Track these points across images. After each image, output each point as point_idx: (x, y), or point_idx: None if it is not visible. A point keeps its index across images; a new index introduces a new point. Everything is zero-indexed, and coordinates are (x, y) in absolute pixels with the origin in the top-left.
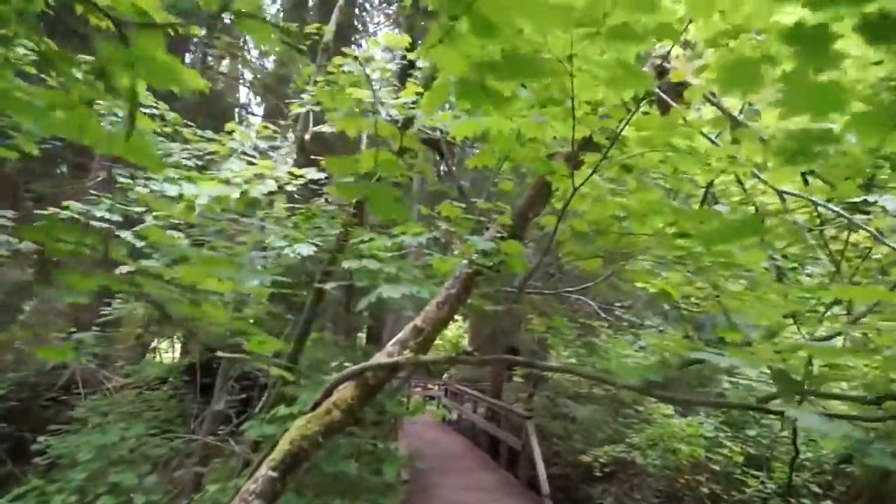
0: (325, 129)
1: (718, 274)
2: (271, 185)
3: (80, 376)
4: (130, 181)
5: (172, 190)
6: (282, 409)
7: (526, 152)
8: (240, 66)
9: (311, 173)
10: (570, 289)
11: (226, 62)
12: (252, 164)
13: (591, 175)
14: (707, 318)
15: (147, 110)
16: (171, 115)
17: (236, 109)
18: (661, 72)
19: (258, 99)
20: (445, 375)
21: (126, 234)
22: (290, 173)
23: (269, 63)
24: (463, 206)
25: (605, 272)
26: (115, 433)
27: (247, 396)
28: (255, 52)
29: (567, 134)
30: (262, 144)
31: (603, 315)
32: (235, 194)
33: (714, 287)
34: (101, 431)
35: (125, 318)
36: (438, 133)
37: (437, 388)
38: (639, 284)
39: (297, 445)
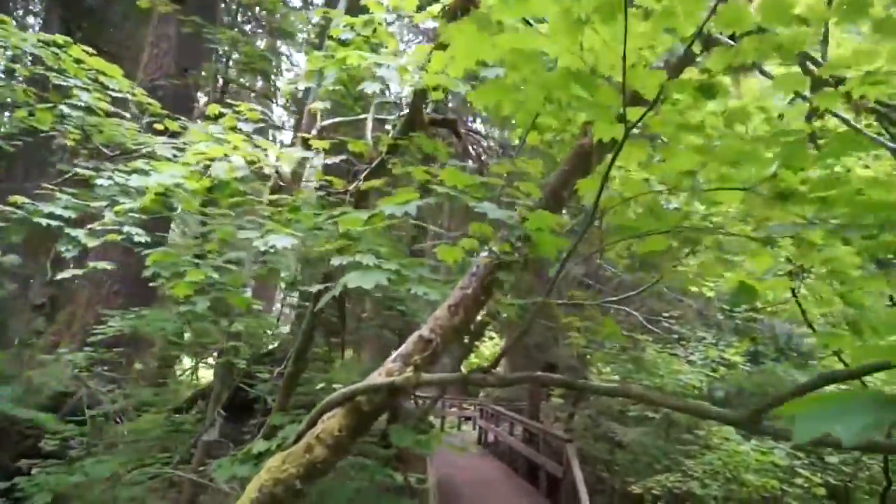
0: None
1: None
2: (238, 163)
3: (87, 401)
4: (93, 173)
5: (138, 181)
6: (258, 444)
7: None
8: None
9: (306, 153)
10: (611, 298)
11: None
12: (222, 141)
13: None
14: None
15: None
16: (152, 105)
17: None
18: None
19: (287, 115)
20: (482, 394)
21: (78, 233)
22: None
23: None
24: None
25: (649, 280)
26: (105, 467)
27: (256, 422)
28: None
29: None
30: (247, 127)
31: (649, 327)
32: (190, 186)
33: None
34: (82, 469)
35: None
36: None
37: (473, 408)
38: (693, 288)
39: (268, 494)
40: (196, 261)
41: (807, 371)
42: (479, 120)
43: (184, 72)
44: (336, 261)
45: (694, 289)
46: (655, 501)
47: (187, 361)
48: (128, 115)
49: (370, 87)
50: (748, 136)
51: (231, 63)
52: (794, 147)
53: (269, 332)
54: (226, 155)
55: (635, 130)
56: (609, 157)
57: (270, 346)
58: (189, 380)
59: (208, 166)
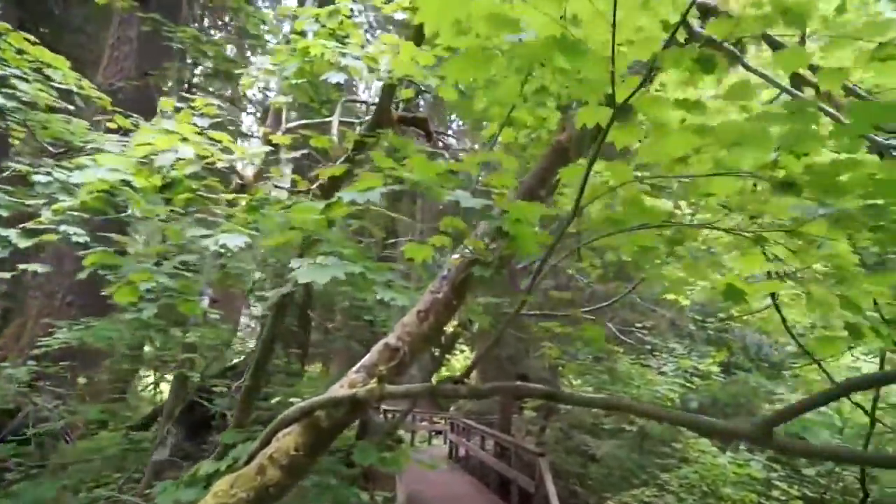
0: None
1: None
2: (187, 154)
3: (33, 418)
4: (31, 169)
5: (80, 177)
6: (206, 465)
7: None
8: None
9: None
10: (585, 309)
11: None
12: (171, 132)
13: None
14: (753, 338)
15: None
16: (102, 100)
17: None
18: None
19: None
20: (452, 408)
21: (9, 233)
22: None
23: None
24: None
25: (622, 290)
26: (43, 489)
27: (215, 440)
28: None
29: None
30: (203, 123)
31: (622, 338)
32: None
33: (839, 278)
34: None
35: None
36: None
37: (443, 421)
38: (670, 297)
39: None
40: (146, 265)
41: (778, 381)
42: (450, 130)
43: (144, 75)
44: (295, 263)
45: (671, 297)
46: None
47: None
48: (73, 108)
49: (334, 77)
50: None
51: (198, 70)
52: (807, 120)
53: (229, 345)
54: (174, 147)
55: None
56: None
57: (234, 361)
58: (151, 395)
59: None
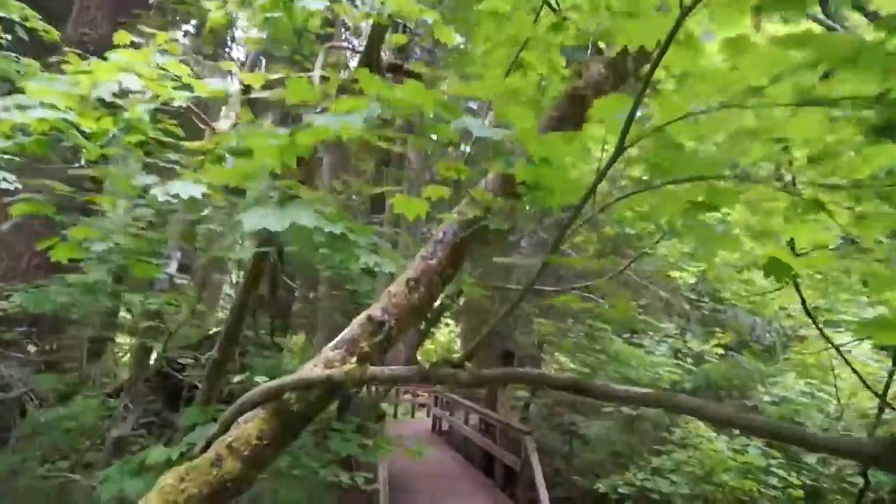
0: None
1: None
2: (132, 86)
3: None
4: None
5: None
6: (154, 452)
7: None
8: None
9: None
10: (575, 286)
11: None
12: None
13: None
14: (746, 319)
15: None
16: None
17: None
18: None
19: None
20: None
21: None
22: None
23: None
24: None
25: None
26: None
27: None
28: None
29: None
30: (163, 59)
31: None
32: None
33: None
34: None
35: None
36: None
37: (427, 395)
38: (674, 273)
39: None
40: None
41: (771, 364)
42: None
43: (117, 24)
44: (248, 213)
45: (675, 273)
46: (622, 501)
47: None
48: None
49: (314, 3)
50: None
51: (182, 30)
52: None
53: (194, 312)
54: (117, 77)
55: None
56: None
57: (214, 330)
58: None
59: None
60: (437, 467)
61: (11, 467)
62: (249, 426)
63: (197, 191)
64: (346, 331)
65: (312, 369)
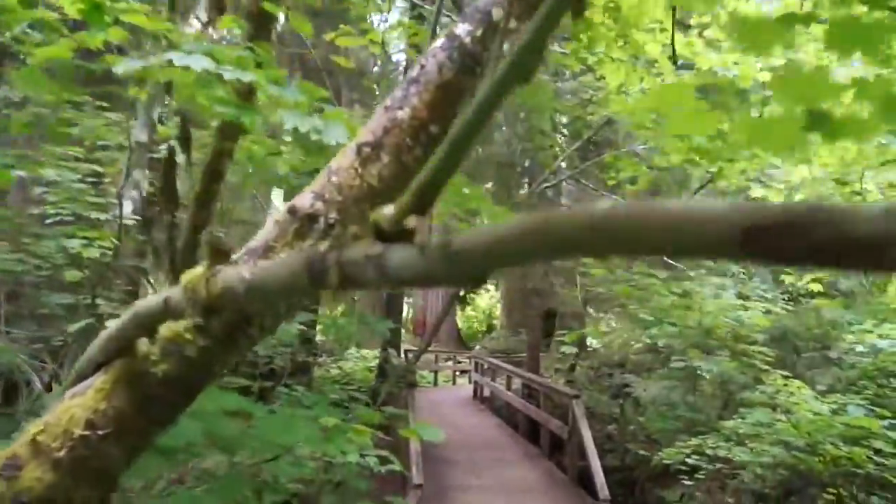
0: None
1: None
2: None
3: None
4: None
5: None
6: None
7: None
8: None
9: None
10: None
11: None
12: None
13: None
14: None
15: None
16: None
17: None
18: None
19: None
20: (478, 346)
21: None
22: None
23: None
24: None
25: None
26: None
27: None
28: None
29: None
30: None
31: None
32: None
33: None
34: None
35: None
36: None
37: (468, 360)
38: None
39: None
40: None
41: (851, 311)
42: None
43: None
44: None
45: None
46: (693, 471)
47: None
48: None
49: None
50: None
51: None
52: None
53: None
54: None
55: None
56: None
57: None
58: None
59: None
60: (478, 436)
61: None
62: (75, 406)
63: None
64: (259, 233)
65: (153, 297)
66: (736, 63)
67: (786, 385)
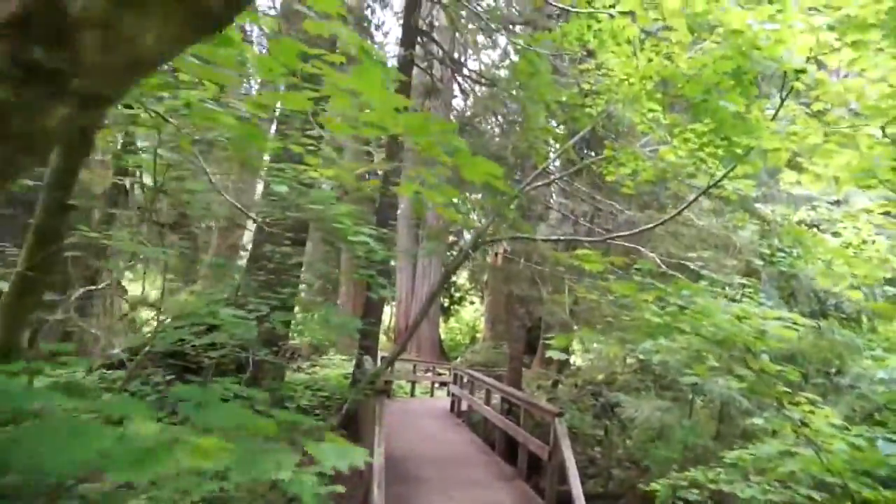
0: None
1: None
2: None
3: None
4: None
5: None
6: None
7: None
8: None
9: None
10: (622, 233)
11: None
12: None
13: None
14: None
15: None
16: None
17: None
18: None
19: None
20: (459, 359)
21: None
22: None
23: None
24: None
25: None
26: None
27: None
28: None
29: None
30: None
31: (670, 272)
32: None
33: None
34: None
35: None
36: None
37: (448, 372)
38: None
39: None
40: None
41: (860, 336)
42: None
43: None
44: None
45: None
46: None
47: None
48: None
49: None
50: None
51: None
52: None
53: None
54: None
55: None
56: None
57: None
58: None
59: None
60: (452, 452)
61: None
62: None
63: None
64: None
65: None
66: (773, 17)
67: (812, 412)
